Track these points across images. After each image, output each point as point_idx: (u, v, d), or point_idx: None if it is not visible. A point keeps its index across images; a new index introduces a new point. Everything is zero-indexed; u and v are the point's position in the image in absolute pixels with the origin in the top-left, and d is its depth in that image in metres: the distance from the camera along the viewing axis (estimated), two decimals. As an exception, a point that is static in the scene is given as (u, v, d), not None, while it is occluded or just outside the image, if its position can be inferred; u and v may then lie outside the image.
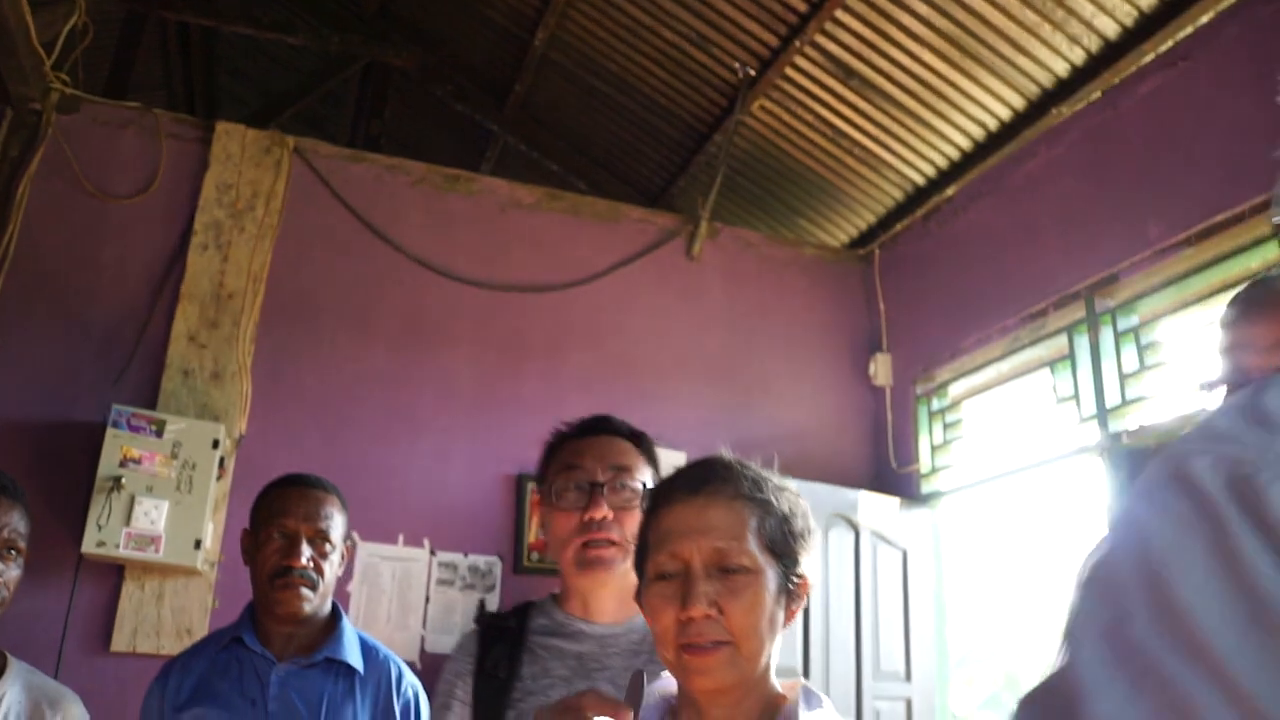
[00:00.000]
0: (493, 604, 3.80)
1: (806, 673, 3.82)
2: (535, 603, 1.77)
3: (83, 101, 3.96)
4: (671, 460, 1.41)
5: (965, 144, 4.21)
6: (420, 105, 6.07)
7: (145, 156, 3.97)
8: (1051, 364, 3.71)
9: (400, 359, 4.03)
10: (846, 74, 4.15)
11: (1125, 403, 3.34)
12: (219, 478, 3.53)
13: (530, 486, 3.93)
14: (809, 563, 1.31)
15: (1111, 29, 3.52)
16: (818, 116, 4.44)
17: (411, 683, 2.29)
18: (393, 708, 2.21)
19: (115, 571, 3.50)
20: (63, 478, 3.48)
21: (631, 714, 1.16)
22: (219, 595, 3.54)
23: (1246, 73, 3.06)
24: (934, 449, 4.29)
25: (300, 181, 4.12)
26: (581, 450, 1.68)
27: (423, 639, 3.76)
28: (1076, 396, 3.53)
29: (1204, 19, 3.24)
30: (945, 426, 4.26)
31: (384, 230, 4.16)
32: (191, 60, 5.71)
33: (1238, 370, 1.70)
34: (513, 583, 3.88)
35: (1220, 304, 1.97)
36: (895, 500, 4.21)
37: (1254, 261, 2.99)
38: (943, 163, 4.34)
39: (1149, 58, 3.44)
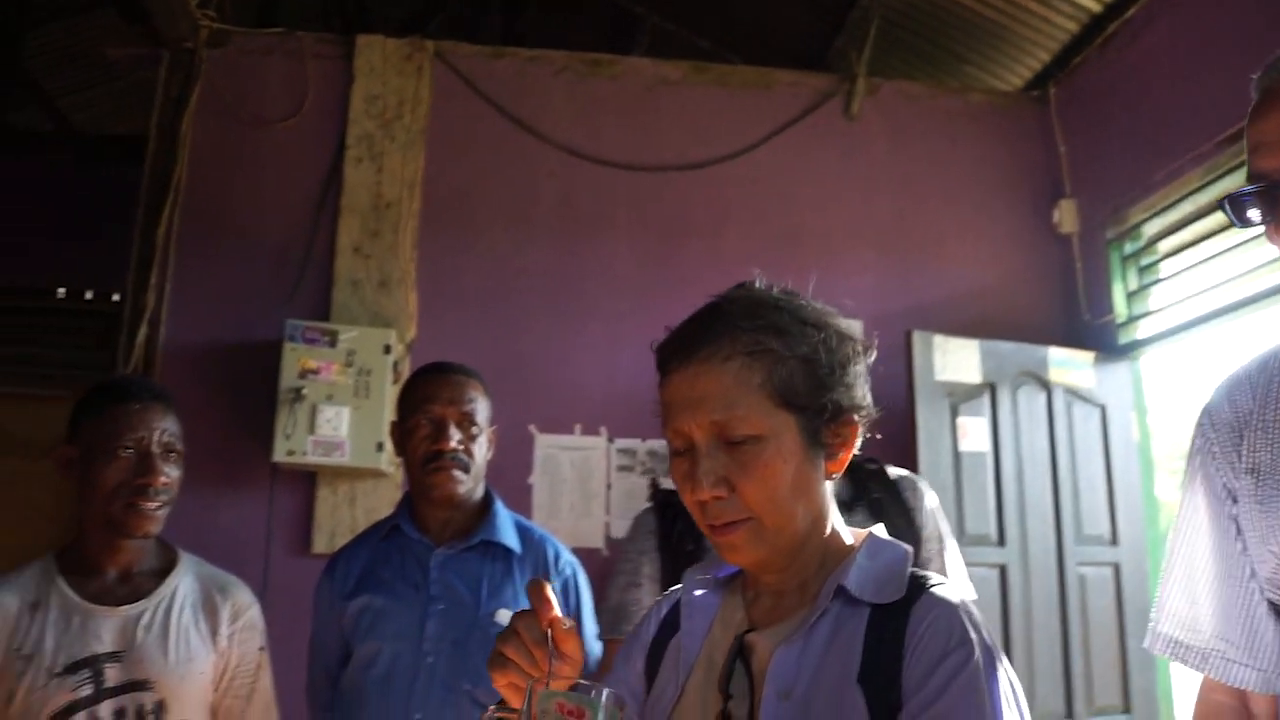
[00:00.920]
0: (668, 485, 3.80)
1: (1002, 540, 3.66)
2: None
3: (230, 34, 4.05)
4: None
5: (1147, -45, 3.77)
6: (564, -1, 5.96)
7: (293, 79, 4.04)
8: (1260, 189, 3.32)
9: (560, 250, 4.02)
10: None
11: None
12: (394, 382, 3.62)
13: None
14: (859, 393, 1.19)
15: None
16: (977, -52, 4.08)
17: (570, 561, 2.30)
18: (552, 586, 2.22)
19: (307, 478, 3.68)
20: (250, 394, 3.66)
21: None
22: (407, 494, 3.67)
23: None
24: (1130, 297, 3.96)
25: (444, 84, 4.11)
26: None
27: (607, 525, 3.80)
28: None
29: None
30: (1141, 271, 3.92)
31: (531, 123, 4.12)
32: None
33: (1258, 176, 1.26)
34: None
35: None
36: (1090, 354, 3.93)
37: None
38: (1120, -18, 3.92)
39: None
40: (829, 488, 1.20)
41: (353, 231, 3.88)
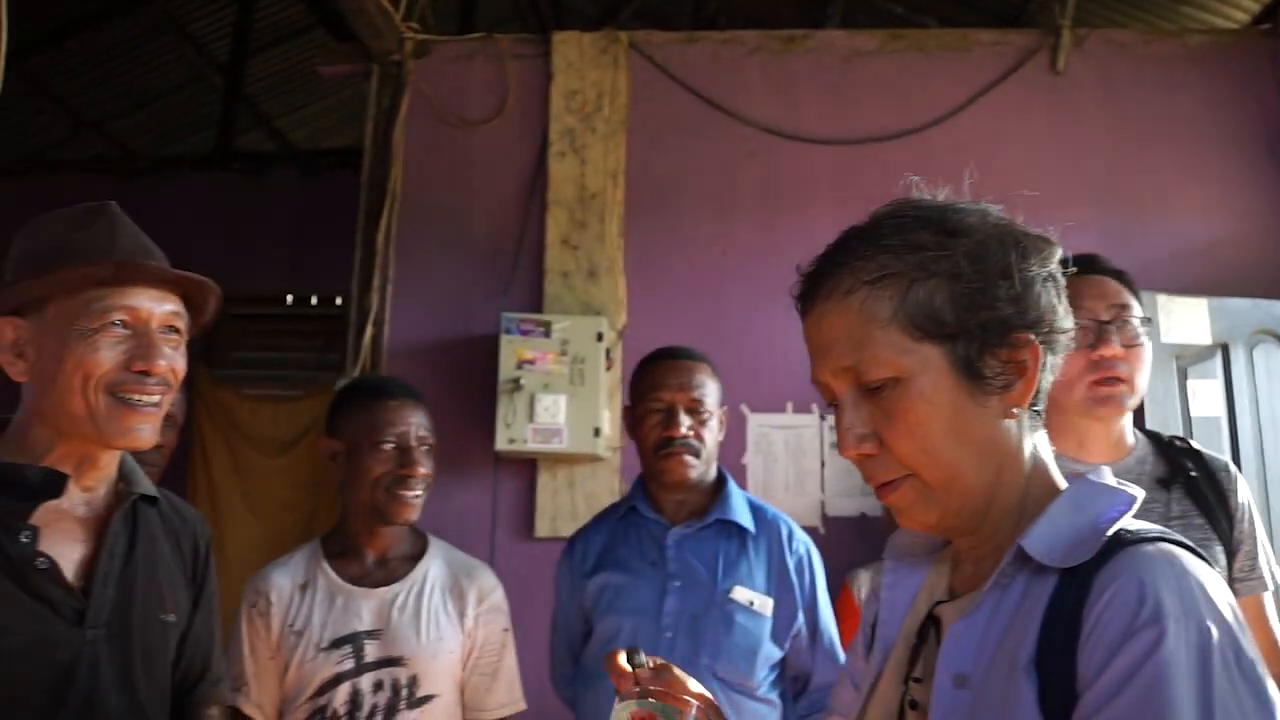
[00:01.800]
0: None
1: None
2: None
3: (433, 44, 4.22)
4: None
5: None
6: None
7: (495, 80, 4.18)
8: None
9: (763, 229, 4.01)
10: None
11: None
12: (608, 368, 3.72)
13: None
14: (1032, 305, 0.97)
15: None
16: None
17: (803, 539, 2.31)
18: (786, 564, 2.24)
19: (529, 465, 3.81)
20: (472, 387, 3.82)
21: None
22: (625, 478, 3.74)
23: None
24: (1386, 241, 3.66)
25: (640, 74, 4.17)
26: (1080, 291, 1.61)
27: (822, 503, 3.78)
28: None
29: None
30: (1398, 212, 3.62)
31: (728, 105, 4.13)
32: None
33: None
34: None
35: None
36: (1337, 306, 3.65)
37: None
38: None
39: None
40: (1021, 427, 0.98)
41: (560, 224, 3.99)
